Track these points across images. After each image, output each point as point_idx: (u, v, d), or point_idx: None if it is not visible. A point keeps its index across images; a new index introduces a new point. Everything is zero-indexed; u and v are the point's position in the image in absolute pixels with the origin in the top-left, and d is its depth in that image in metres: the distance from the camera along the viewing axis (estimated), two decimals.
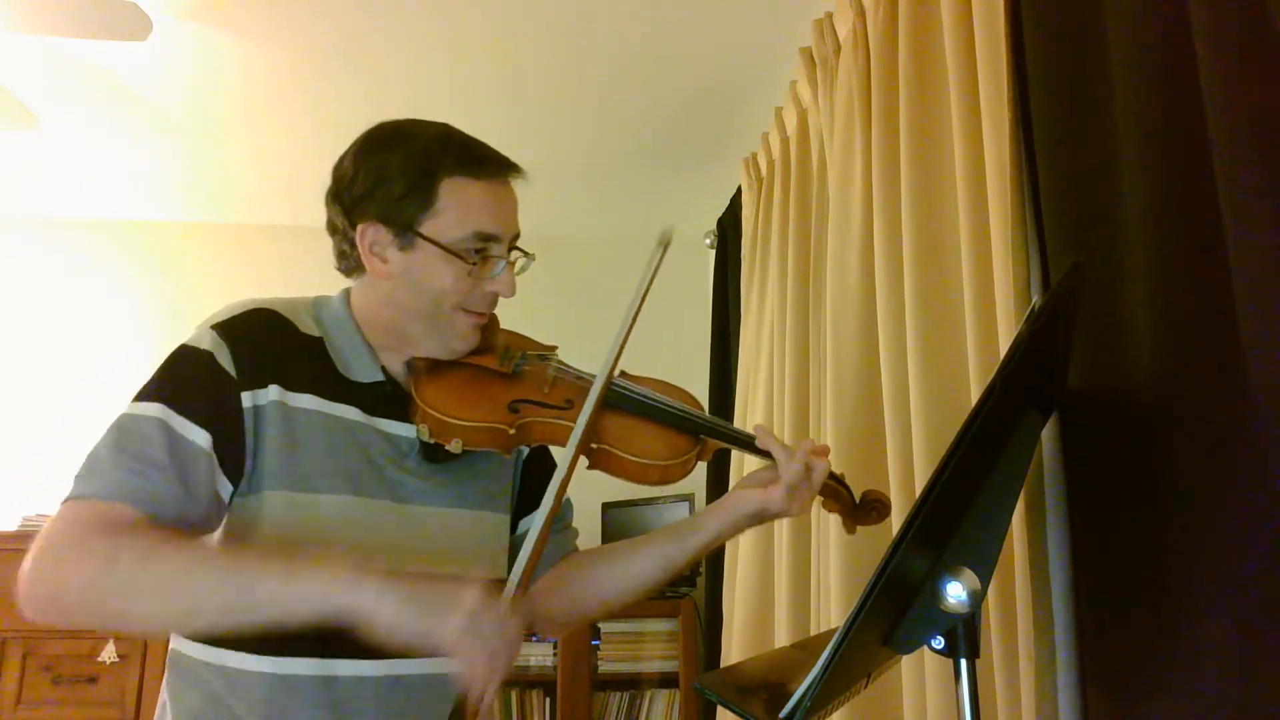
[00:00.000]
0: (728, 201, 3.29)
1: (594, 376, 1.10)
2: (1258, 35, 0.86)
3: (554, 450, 1.04)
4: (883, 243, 1.76)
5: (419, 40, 2.45)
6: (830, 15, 2.17)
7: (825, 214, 2.12)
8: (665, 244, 1.18)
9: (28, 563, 0.89)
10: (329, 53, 2.51)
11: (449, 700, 1.03)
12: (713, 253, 3.45)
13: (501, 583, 1.15)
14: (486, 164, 1.10)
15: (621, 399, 1.11)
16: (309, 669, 0.99)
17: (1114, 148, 1.13)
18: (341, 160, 1.12)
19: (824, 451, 1.12)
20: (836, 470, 1.18)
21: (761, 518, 1.13)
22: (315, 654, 0.99)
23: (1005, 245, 1.36)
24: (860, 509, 1.19)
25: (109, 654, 2.70)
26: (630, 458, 1.08)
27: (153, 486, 0.94)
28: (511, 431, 1.06)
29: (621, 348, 1.11)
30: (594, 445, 1.08)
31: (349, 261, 1.13)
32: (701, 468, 3.10)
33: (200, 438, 0.97)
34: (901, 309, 1.66)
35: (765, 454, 1.12)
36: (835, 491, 1.16)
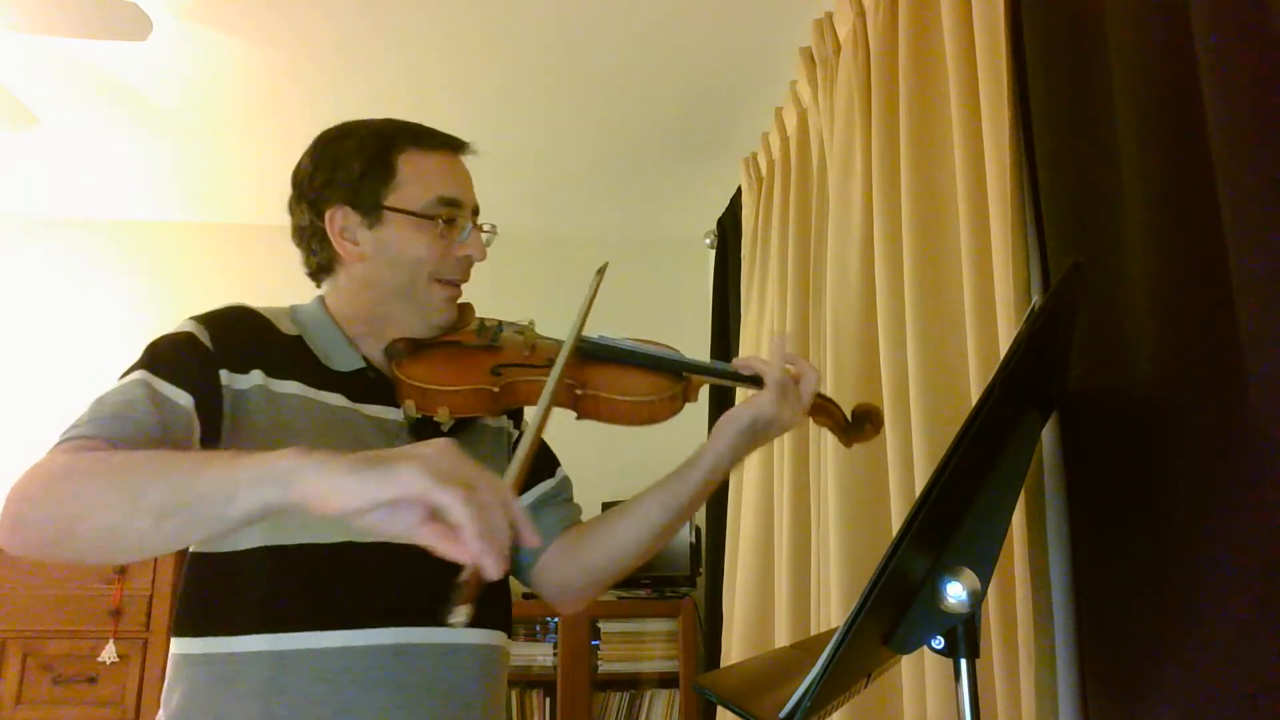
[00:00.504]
0: (728, 201, 3.29)
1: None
2: (1258, 35, 0.86)
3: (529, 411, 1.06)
4: (883, 243, 1.76)
5: (419, 41, 2.45)
6: (830, 15, 2.17)
7: (825, 214, 2.12)
8: (601, 271, 1.21)
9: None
10: (329, 53, 2.51)
11: (453, 669, 1.04)
12: (713, 253, 3.45)
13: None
14: (435, 136, 1.15)
15: (601, 349, 1.14)
16: (307, 643, 0.98)
17: (1114, 148, 1.13)
18: (298, 164, 1.17)
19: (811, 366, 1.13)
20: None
21: (755, 431, 1.10)
22: (313, 627, 0.99)
23: (1005, 245, 1.36)
24: (853, 425, 1.19)
25: (109, 654, 2.70)
26: (616, 397, 1.10)
27: (128, 429, 0.93)
28: (496, 390, 1.08)
29: (589, 306, 1.14)
30: (579, 392, 1.10)
31: (319, 258, 1.16)
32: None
33: (182, 398, 0.99)
34: (901, 309, 1.66)
35: (751, 380, 1.12)
36: (825, 408, 1.17)
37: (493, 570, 0.70)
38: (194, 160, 3.14)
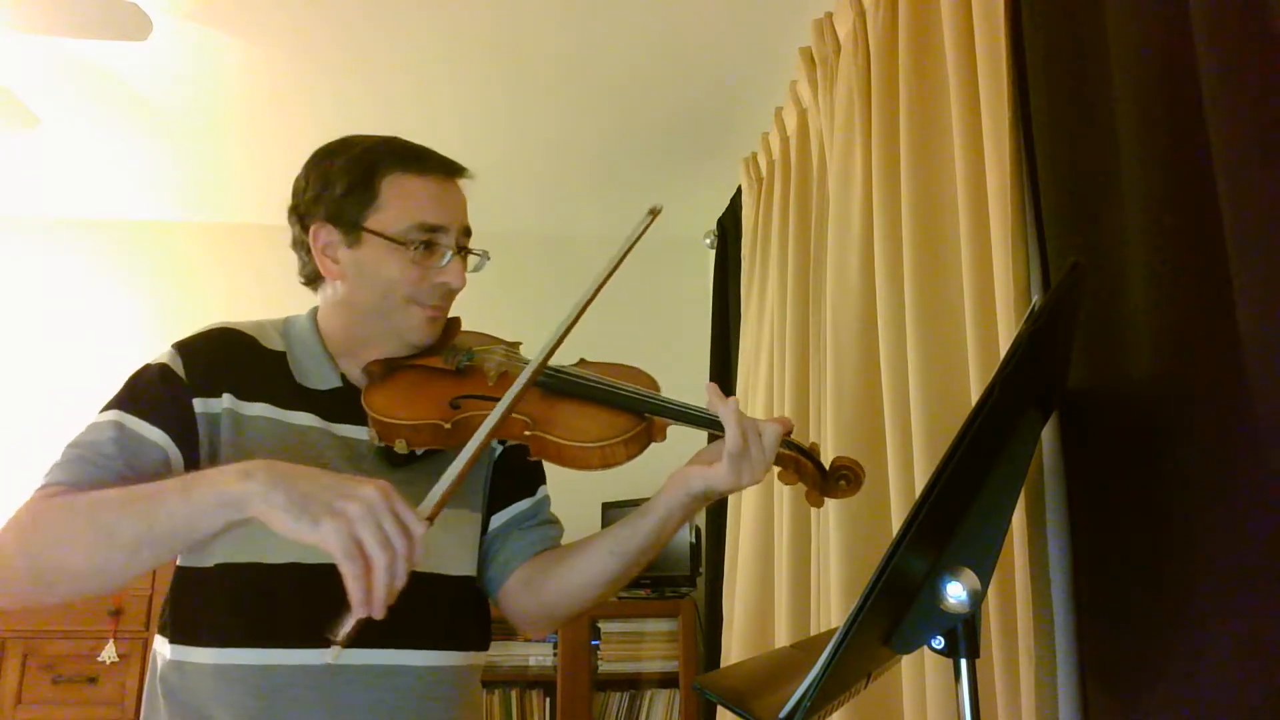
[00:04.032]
0: (728, 201, 3.29)
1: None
2: (1258, 35, 0.86)
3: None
4: (883, 243, 1.76)
5: (420, 40, 2.45)
6: (830, 15, 2.17)
7: (825, 214, 2.12)
8: (655, 213, 1.19)
9: None
10: (329, 52, 2.51)
11: (393, 691, 1.05)
12: (713, 253, 3.45)
13: (468, 579, 1.16)
14: (426, 160, 1.15)
15: (559, 383, 1.10)
16: (249, 659, 1.01)
17: (1114, 148, 1.13)
18: (297, 177, 1.19)
19: (780, 420, 1.06)
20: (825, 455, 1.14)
21: (710, 496, 1.07)
22: (254, 644, 1.01)
23: (1005, 245, 1.36)
24: (827, 479, 1.10)
25: (109, 654, 2.70)
26: (563, 441, 1.06)
27: (93, 471, 0.98)
28: (448, 427, 1.07)
29: (575, 320, 1.10)
30: (528, 432, 1.07)
31: (309, 269, 1.18)
32: None
33: (155, 435, 1.02)
34: (901, 309, 1.66)
35: (716, 427, 1.05)
36: (794, 461, 1.09)
37: (376, 613, 0.83)
38: (194, 160, 3.14)
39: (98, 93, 2.69)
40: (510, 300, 2.86)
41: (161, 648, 1.06)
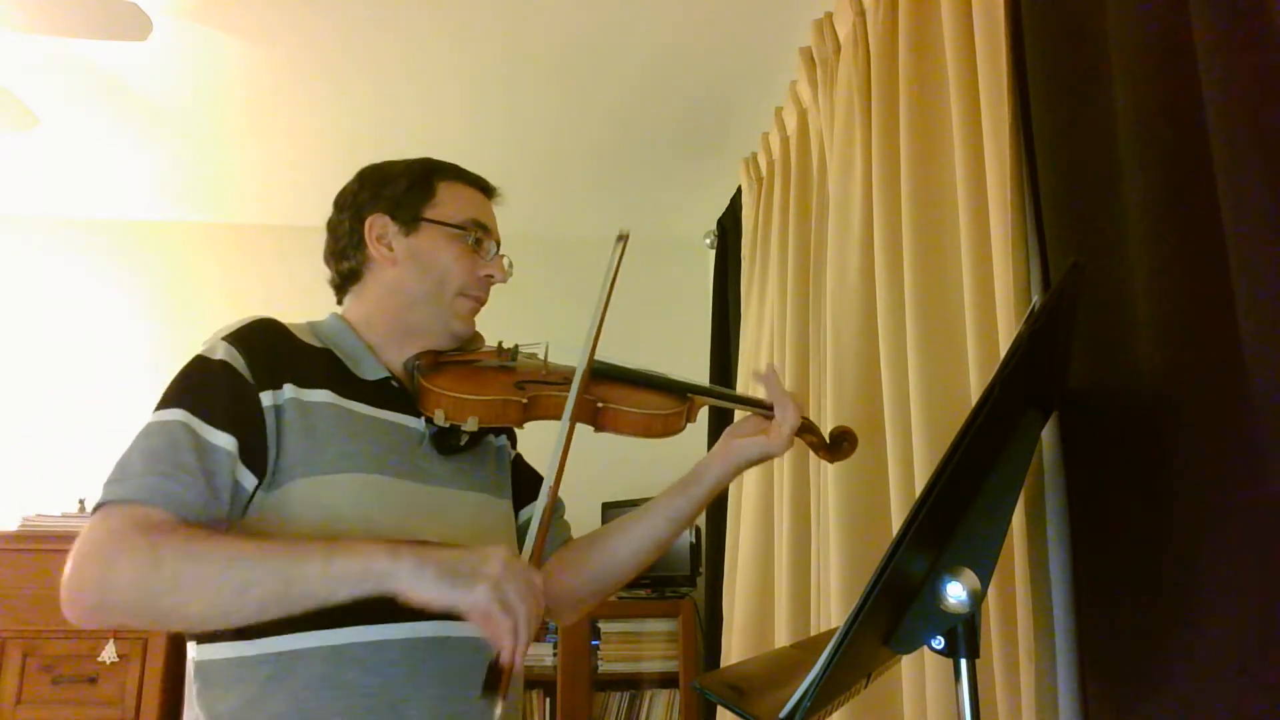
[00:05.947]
0: (728, 201, 3.29)
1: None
2: (1258, 35, 0.86)
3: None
4: (883, 242, 1.76)
5: (421, 42, 2.45)
6: (830, 15, 2.17)
7: (825, 214, 2.12)
8: (624, 239, 1.28)
9: (69, 569, 0.92)
10: (330, 52, 2.51)
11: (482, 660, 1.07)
12: (713, 253, 3.45)
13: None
14: (474, 176, 1.28)
15: (613, 370, 1.22)
16: (357, 636, 1.01)
17: (1114, 148, 1.14)
18: (344, 187, 1.27)
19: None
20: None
21: (761, 459, 1.24)
22: (362, 621, 1.01)
23: (1005, 245, 1.36)
24: (834, 445, 1.30)
25: (109, 654, 2.70)
26: (634, 410, 1.19)
27: (183, 490, 0.98)
28: (525, 401, 1.15)
29: (601, 321, 1.18)
30: (599, 405, 1.18)
31: (351, 263, 1.23)
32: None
33: (224, 441, 1.02)
34: (901, 309, 1.66)
35: (752, 405, 1.25)
36: (809, 428, 1.28)
37: (519, 664, 0.93)
38: (195, 160, 3.13)
39: (98, 93, 2.69)
40: (508, 301, 2.86)
41: (222, 651, 1.01)
